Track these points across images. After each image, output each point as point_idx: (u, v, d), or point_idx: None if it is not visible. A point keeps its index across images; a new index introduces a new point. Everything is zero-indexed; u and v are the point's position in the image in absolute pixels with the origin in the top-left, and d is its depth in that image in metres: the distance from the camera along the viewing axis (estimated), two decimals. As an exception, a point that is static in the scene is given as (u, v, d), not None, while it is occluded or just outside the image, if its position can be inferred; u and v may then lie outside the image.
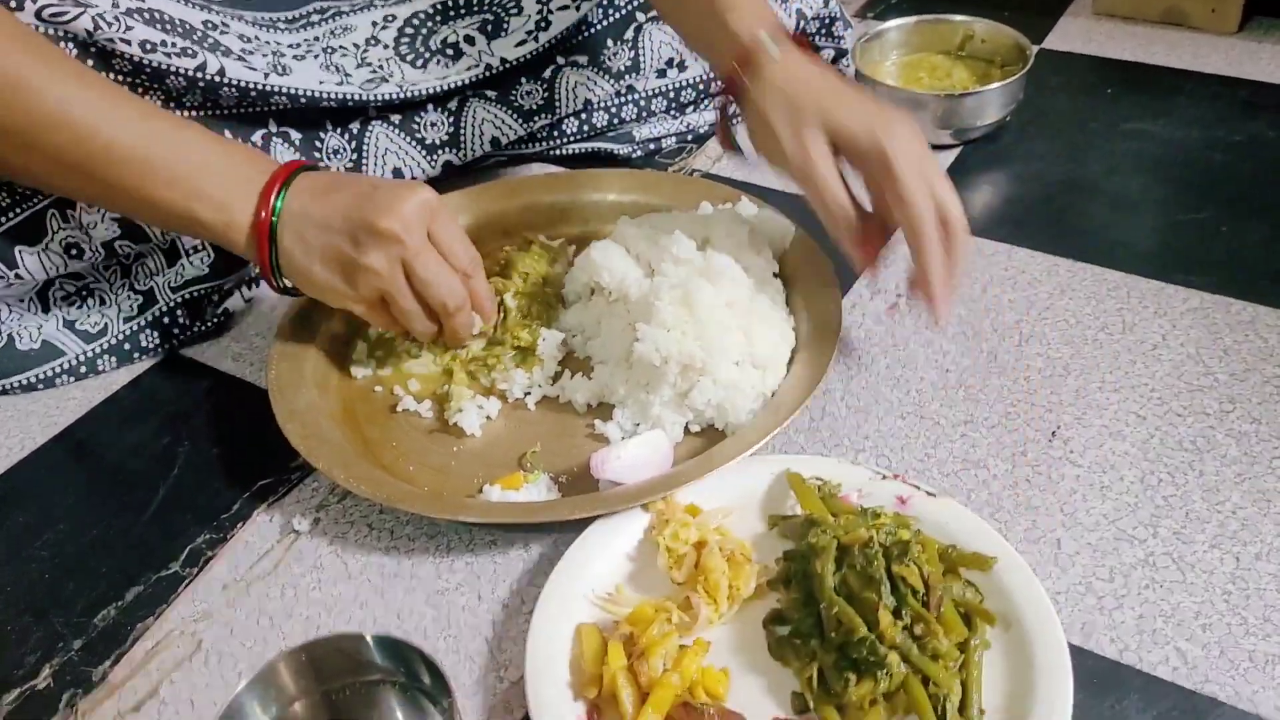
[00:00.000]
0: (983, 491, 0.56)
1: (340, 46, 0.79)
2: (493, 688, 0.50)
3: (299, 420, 0.61)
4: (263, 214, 0.59)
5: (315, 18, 0.80)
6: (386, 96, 0.77)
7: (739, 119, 0.65)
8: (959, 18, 0.87)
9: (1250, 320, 0.65)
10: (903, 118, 0.58)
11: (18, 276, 0.66)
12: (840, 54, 0.89)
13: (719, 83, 0.66)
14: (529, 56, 0.79)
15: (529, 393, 0.65)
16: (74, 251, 0.67)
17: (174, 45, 0.67)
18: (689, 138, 0.87)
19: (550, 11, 0.79)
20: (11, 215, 0.65)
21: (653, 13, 0.81)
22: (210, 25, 0.72)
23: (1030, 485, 0.56)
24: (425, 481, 0.60)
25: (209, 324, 0.73)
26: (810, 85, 0.60)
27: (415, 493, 0.58)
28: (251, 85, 0.70)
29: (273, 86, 0.72)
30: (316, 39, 0.79)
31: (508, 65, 0.80)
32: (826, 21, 0.88)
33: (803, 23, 0.87)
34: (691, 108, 0.88)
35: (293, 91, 0.73)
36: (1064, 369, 0.63)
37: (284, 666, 0.38)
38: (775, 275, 0.68)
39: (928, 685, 0.46)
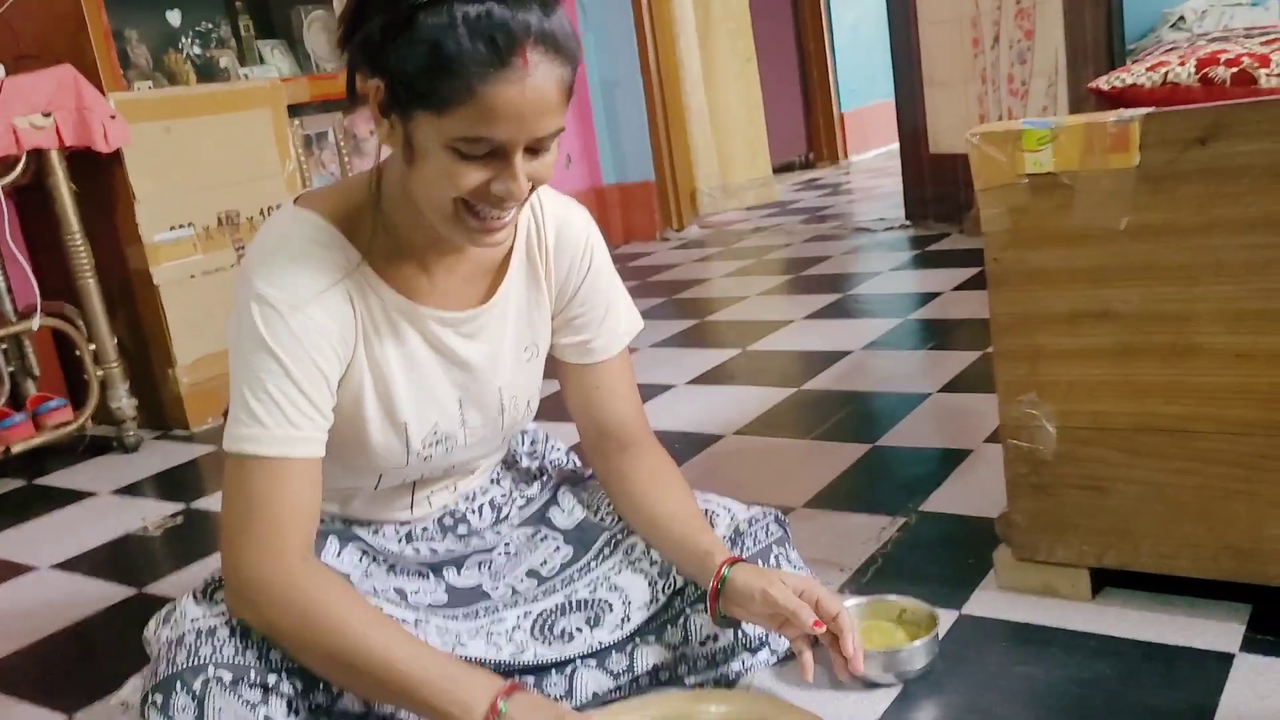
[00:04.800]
0: None
1: (497, 631, 1.25)
2: None
3: None
4: (491, 716, 1.00)
5: (481, 613, 1.27)
6: (525, 662, 1.22)
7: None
8: (892, 597, 1.33)
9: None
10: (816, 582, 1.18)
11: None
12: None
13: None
14: (617, 640, 1.25)
15: None
16: None
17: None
18: (731, 681, 1.29)
19: (630, 613, 1.26)
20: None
21: (699, 605, 1.27)
22: (420, 621, 1.19)
23: None
24: None
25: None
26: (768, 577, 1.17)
27: None
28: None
29: (456, 654, 1.17)
30: (481, 626, 1.25)
31: (603, 645, 1.25)
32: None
33: (736, 523, 1.32)
34: (727, 661, 1.30)
35: (468, 657, 1.17)
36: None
37: None
38: None
39: None
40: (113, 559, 2.01)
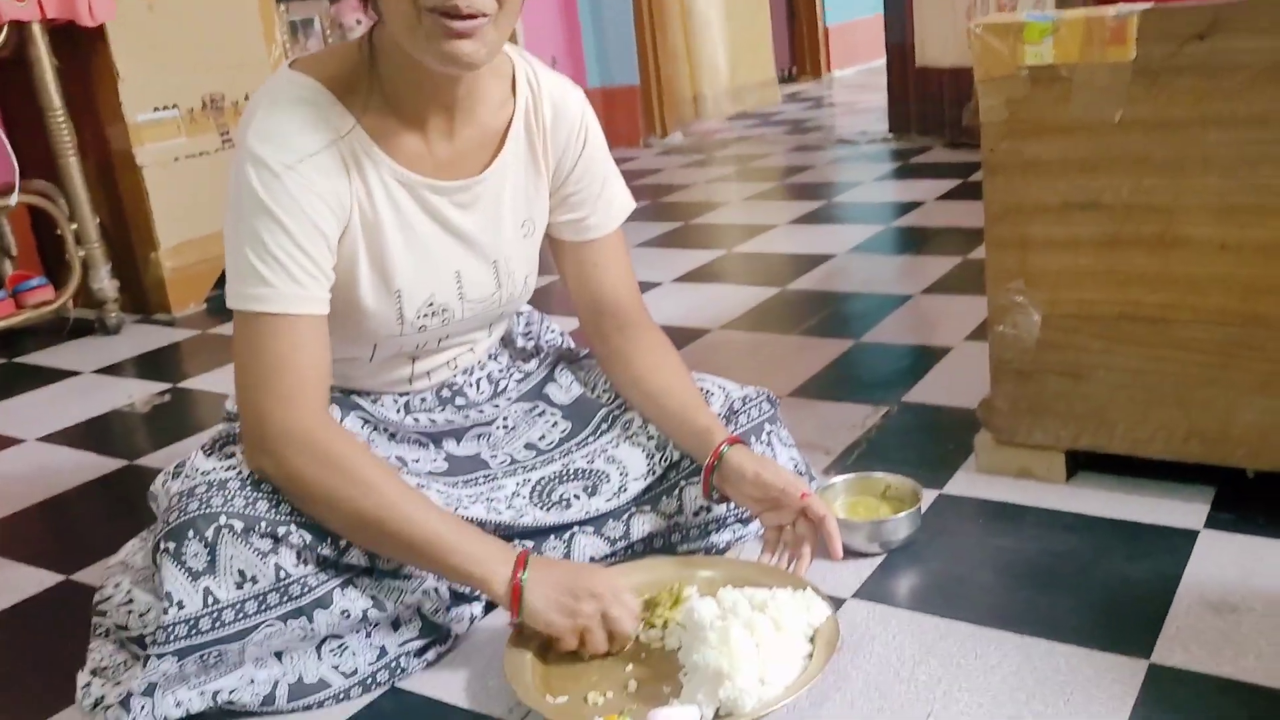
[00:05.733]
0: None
1: (496, 497, 1.29)
2: None
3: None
4: (515, 579, 1.06)
5: (481, 480, 1.31)
6: (525, 525, 1.26)
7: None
8: (880, 474, 1.39)
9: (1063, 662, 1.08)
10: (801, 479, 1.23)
11: (314, 630, 1.12)
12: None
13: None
14: (614, 508, 1.30)
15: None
16: (347, 616, 1.13)
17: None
18: (722, 550, 1.34)
19: (627, 483, 1.30)
20: (316, 592, 1.12)
21: (694, 478, 1.31)
22: (421, 486, 1.22)
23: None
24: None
25: (414, 668, 1.17)
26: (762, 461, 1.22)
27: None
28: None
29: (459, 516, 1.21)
30: (481, 493, 1.29)
31: (600, 512, 1.29)
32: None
33: (731, 401, 1.36)
34: (719, 531, 1.35)
35: (469, 519, 1.21)
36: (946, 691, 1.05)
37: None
38: (810, 639, 1.09)
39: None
40: (101, 433, 2.03)
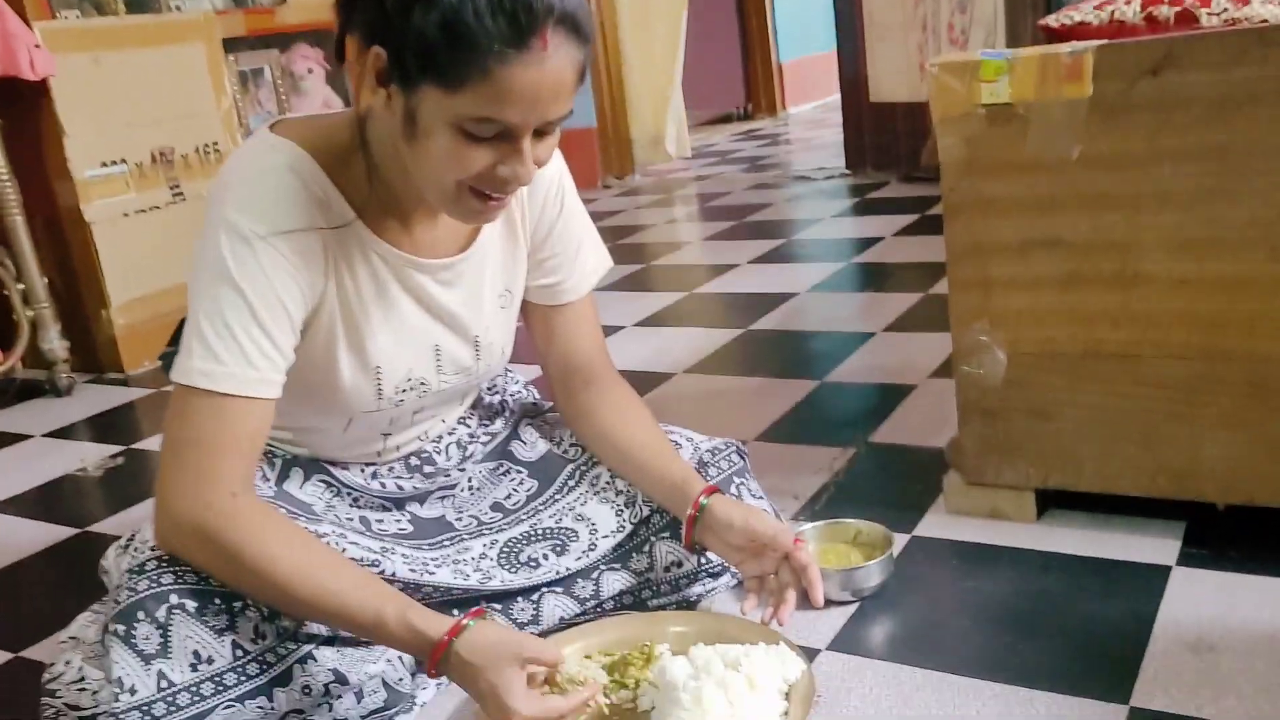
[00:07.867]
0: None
1: (463, 559, 1.26)
2: None
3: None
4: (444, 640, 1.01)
5: (446, 543, 1.27)
6: (493, 589, 1.23)
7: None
8: (850, 520, 1.37)
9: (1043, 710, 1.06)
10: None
11: (274, 708, 1.07)
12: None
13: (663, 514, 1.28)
14: (583, 567, 1.27)
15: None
16: (308, 692, 1.09)
17: (365, 559, 1.13)
18: (693, 604, 1.32)
19: (596, 541, 1.27)
20: (274, 669, 1.08)
21: (665, 534, 1.29)
22: (385, 550, 1.19)
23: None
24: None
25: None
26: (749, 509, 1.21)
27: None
28: (411, 582, 1.16)
29: (423, 582, 1.17)
30: (448, 555, 1.25)
31: (570, 571, 1.26)
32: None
33: (700, 453, 1.34)
34: (690, 585, 1.33)
35: (435, 585, 1.18)
36: (919, 733, 1.03)
37: None
38: (785, 695, 1.07)
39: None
40: (52, 500, 1.97)
